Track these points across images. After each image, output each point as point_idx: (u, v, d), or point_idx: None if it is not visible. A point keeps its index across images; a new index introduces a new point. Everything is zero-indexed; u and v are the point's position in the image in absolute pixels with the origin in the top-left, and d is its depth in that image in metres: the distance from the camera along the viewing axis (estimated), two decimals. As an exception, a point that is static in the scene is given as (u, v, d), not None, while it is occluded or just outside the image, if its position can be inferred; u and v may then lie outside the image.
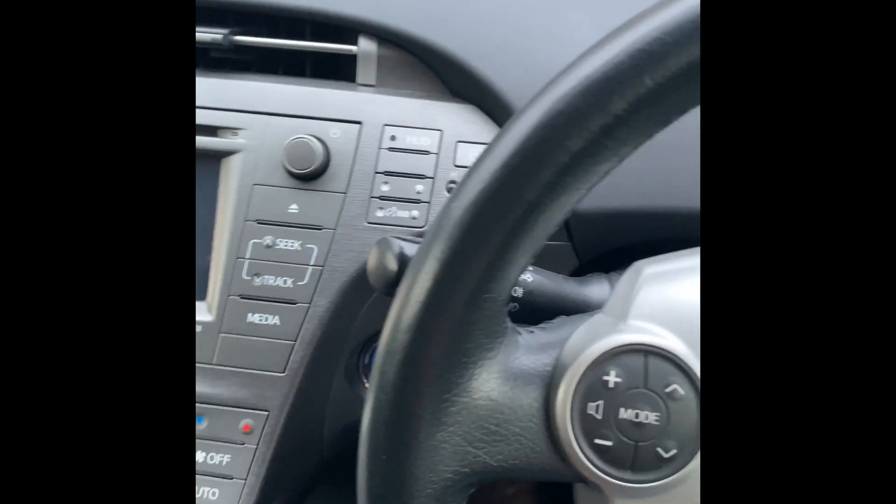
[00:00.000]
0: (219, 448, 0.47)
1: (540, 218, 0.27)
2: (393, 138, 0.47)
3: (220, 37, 0.49)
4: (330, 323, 0.46)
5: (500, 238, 0.27)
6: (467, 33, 0.48)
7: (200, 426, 0.47)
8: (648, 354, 0.29)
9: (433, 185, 0.47)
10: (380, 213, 0.47)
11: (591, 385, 0.29)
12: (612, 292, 0.32)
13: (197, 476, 0.46)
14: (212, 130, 0.48)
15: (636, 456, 0.29)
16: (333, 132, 0.48)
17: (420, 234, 0.46)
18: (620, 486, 0.29)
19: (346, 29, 0.50)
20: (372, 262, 0.36)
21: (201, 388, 0.46)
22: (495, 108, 0.48)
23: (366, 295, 0.47)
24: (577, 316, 0.33)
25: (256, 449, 0.46)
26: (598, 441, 0.29)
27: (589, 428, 0.29)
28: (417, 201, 0.47)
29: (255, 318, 0.46)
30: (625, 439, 0.29)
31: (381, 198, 0.47)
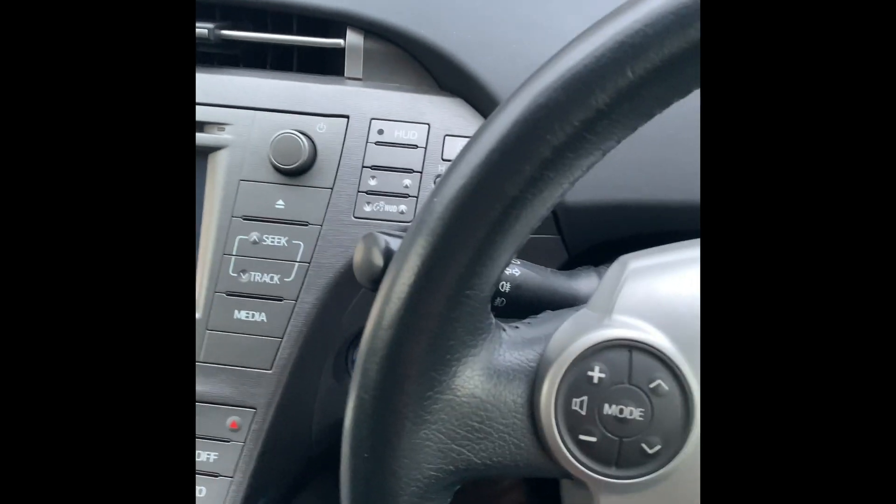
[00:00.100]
0: (206, 445, 0.46)
1: (522, 213, 0.26)
2: (380, 132, 0.47)
3: (206, 31, 0.48)
4: (317, 319, 0.46)
5: (482, 234, 0.26)
6: (454, 26, 0.48)
7: (188, 424, 0.46)
8: (633, 350, 0.29)
9: (421, 180, 0.47)
10: (367, 208, 0.46)
11: (576, 381, 0.29)
12: (598, 287, 0.32)
13: (185, 474, 0.46)
14: (198, 126, 0.47)
15: (621, 452, 0.28)
16: (320, 127, 0.47)
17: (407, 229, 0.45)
18: (605, 482, 0.29)
19: (333, 22, 0.50)
20: (358, 258, 0.36)
21: (188, 385, 0.46)
22: (483, 102, 0.47)
23: (353, 290, 0.46)
24: (562, 311, 0.32)
25: (244, 446, 0.46)
26: (582, 437, 0.29)
27: (573, 424, 0.29)
28: (405, 195, 0.47)
29: (241, 314, 0.46)
30: (609, 435, 0.28)
31: (369, 192, 0.47)
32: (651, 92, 0.26)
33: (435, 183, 0.47)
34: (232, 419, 0.46)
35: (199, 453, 0.46)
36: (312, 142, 0.47)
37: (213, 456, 0.46)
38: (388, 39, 0.49)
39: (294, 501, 0.53)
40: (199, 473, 0.46)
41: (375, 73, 0.50)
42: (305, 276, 0.46)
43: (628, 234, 0.46)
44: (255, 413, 0.46)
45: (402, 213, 0.46)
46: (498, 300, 0.37)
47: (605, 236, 0.46)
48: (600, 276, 0.39)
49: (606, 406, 0.28)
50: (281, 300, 0.46)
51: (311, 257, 0.46)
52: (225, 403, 0.46)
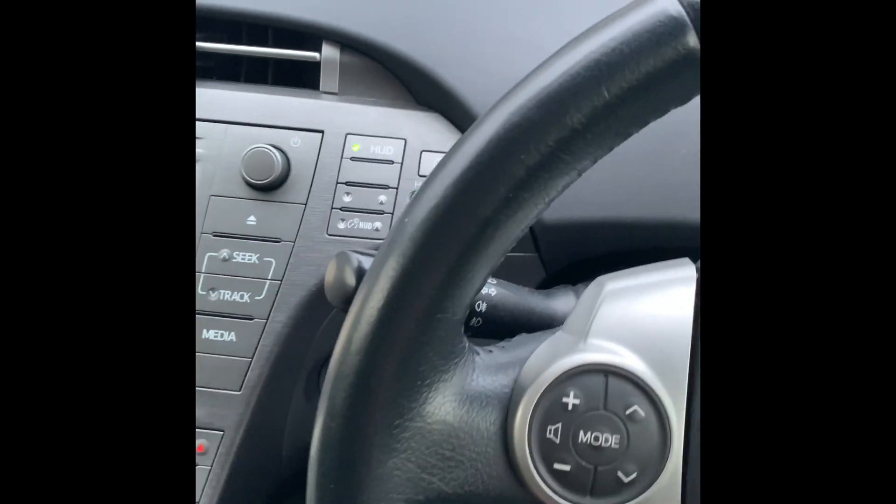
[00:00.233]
0: (171, 470, 0.45)
1: (496, 234, 0.26)
2: (355, 147, 0.46)
3: (177, 42, 0.47)
4: (288, 339, 0.45)
5: (454, 255, 0.25)
6: (431, 40, 0.47)
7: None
8: (608, 375, 0.28)
9: (396, 196, 0.46)
10: (341, 225, 0.45)
11: (550, 407, 0.28)
12: (574, 309, 0.31)
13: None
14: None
15: (595, 480, 0.27)
16: (294, 141, 0.46)
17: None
18: (580, 511, 0.28)
19: (309, 35, 0.49)
20: (329, 277, 0.35)
21: (154, 406, 0.45)
22: (460, 117, 0.46)
23: (326, 309, 0.45)
24: (538, 333, 0.32)
25: (210, 470, 0.45)
26: (556, 466, 0.28)
27: (547, 452, 0.28)
28: (380, 212, 0.46)
29: (210, 334, 0.45)
30: (584, 463, 0.28)
31: (343, 209, 0.46)
32: (628, 111, 0.25)
33: (411, 199, 0.46)
34: (199, 442, 0.45)
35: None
36: (286, 156, 0.46)
37: (177, 481, 0.45)
38: (365, 53, 0.48)
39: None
40: (163, 499, 0.44)
41: (351, 88, 0.49)
42: (277, 295, 0.45)
43: (607, 252, 0.45)
44: (222, 436, 0.45)
45: (376, 230, 0.45)
46: (474, 320, 0.36)
47: (584, 254, 0.46)
48: (578, 295, 0.39)
49: (581, 433, 0.27)
50: (251, 319, 0.45)
51: (283, 275, 0.45)
52: (191, 426, 0.45)
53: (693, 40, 0.24)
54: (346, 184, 0.46)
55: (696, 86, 0.25)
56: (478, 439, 0.28)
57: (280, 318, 0.44)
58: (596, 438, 0.27)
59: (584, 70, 0.25)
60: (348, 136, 0.46)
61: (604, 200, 0.44)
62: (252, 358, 0.45)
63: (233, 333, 0.45)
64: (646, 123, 0.26)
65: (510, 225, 0.26)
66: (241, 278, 0.45)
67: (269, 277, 0.45)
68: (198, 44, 0.49)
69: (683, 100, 0.26)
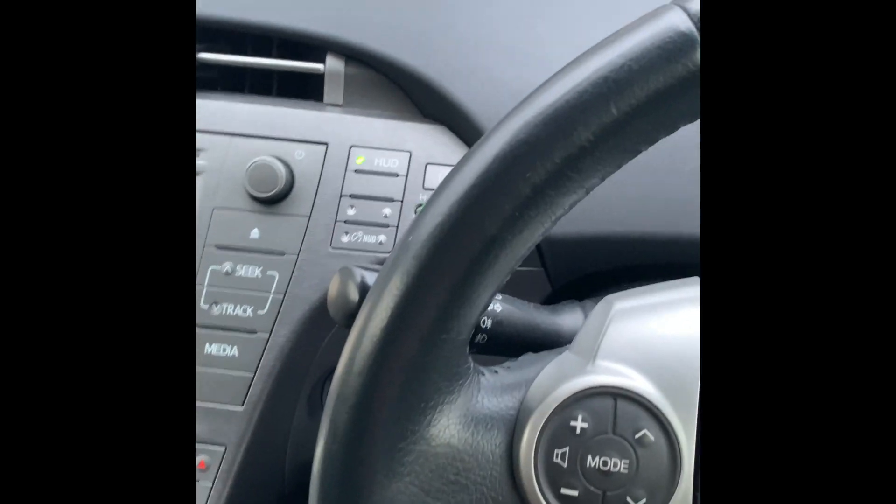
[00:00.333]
0: (172, 487, 0.44)
1: (502, 253, 0.25)
2: (360, 160, 0.46)
3: (181, 54, 0.47)
4: (291, 353, 0.44)
5: (458, 274, 0.25)
6: (436, 52, 0.47)
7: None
8: (617, 398, 0.27)
9: (401, 209, 0.45)
10: (345, 239, 0.45)
11: (557, 430, 0.27)
12: (581, 329, 0.31)
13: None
14: (171, 151, 0.46)
15: None
16: (298, 154, 0.46)
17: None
18: (588, 537, 0.27)
19: (313, 47, 0.49)
20: (332, 293, 0.34)
21: (156, 421, 0.44)
22: (466, 130, 0.46)
23: (329, 324, 0.45)
24: (544, 353, 0.31)
25: (212, 487, 0.44)
26: (564, 490, 0.27)
27: (554, 477, 0.27)
28: (385, 225, 0.45)
29: (212, 348, 0.44)
30: (592, 488, 0.27)
31: (347, 222, 0.45)
32: (636, 128, 0.24)
33: (416, 212, 0.45)
34: (200, 458, 0.44)
35: (164, 495, 0.44)
36: (290, 169, 0.45)
37: (178, 498, 0.44)
38: (370, 65, 0.48)
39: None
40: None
41: (356, 100, 0.49)
42: (280, 309, 0.44)
43: (613, 267, 0.45)
44: (224, 452, 0.44)
45: (381, 243, 0.45)
46: (479, 337, 0.35)
47: (590, 269, 0.45)
48: (585, 311, 0.38)
49: (589, 458, 0.27)
50: (254, 333, 0.44)
51: (286, 289, 0.44)
52: (193, 442, 0.44)
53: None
54: (351, 197, 0.45)
55: None
56: (483, 463, 0.28)
57: (283, 333, 0.44)
58: (604, 463, 0.27)
59: (591, 87, 0.24)
60: (352, 149, 0.46)
61: (610, 215, 0.43)
62: (255, 373, 0.44)
63: (235, 348, 0.44)
64: (655, 140, 0.26)
65: (516, 243, 0.25)
66: (244, 292, 0.44)
67: (273, 291, 0.44)
68: (201, 55, 0.49)
69: (693, 117, 0.25)
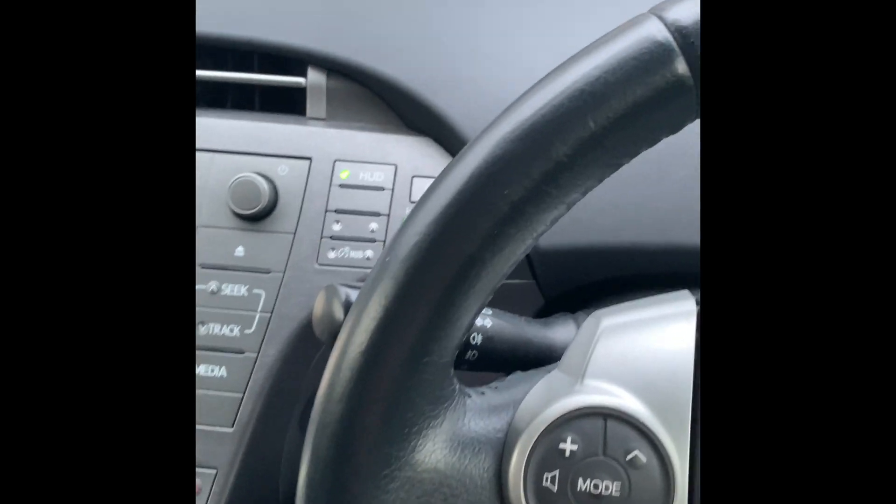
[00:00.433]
0: (161, 513, 0.43)
1: (482, 272, 0.24)
2: (345, 174, 0.45)
3: (160, 71, 0.46)
4: (280, 373, 0.43)
5: (438, 296, 0.24)
6: (420, 63, 0.46)
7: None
8: (607, 418, 0.27)
9: (388, 223, 0.45)
10: (331, 255, 0.44)
11: (547, 453, 0.27)
12: (570, 346, 0.30)
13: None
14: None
15: None
16: (281, 169, 0.45)
17: None
18: (581, 562, 0.26)
19: (295, 61, 0.48)
20: (317, 312, 0.34)
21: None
22: (451, 141, 0.45)
23: (318, 341, 0.44)
24: (532, 372, 0.30)
25: (204, 511, 0.43)
26: None
27: (544, 501, 0.26)
28: (372, 240, 0.44)
29: (200, 369, 0.43)
30: None
31: (333, 237, 0.44)
32: (616, 141, 0.24)
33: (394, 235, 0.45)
34: (189, 483, 0.43)
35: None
36: (273, 185, 0.45)
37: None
38: (352, 78, 0.47)
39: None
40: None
41: (340, 113, 0.48)
42: (267, 328, 0.43)
43: (605, 278, 0.44)
44: (216, 474, 0.43)
45: (368, 258, 0.44)
46: (469, 353, 0.35)
47: (582, 280, 0.44)
48: (577, 323, 0.37)
49: (580, 481, 0.26)
50: (242, 353, 0.43)
51: (273, 307, 0.43)
52: (182, 466, 0.44)
53: (682, 67, 0.23)
54: (336, 212, 0.45)
55: (687, 114, 0.24)
56: (471, 488, 0.27)
57: (271, 352, 0.43)
58: (595, 486, 0.26)
59: (568, 100, 0.23)
60: (337, 163, 0.45)
61: (601, 225, 0.42)
62: (244, 393, 0.43)
63: (223, 368, 0.43)
64: (636, 153, 0.25)
65: (497, 262, 0.25)
66: (231, 311, 0.44)
67: (259, 310, 0.43)
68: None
69: (674, 128, 0.25)
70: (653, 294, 0.34)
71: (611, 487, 0.26)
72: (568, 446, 0.26)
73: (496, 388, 0.30)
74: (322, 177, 0.45)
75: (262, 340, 0.43)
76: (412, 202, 0.45)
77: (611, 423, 0.26)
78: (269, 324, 0.43)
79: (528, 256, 0.44)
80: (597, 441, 0.26)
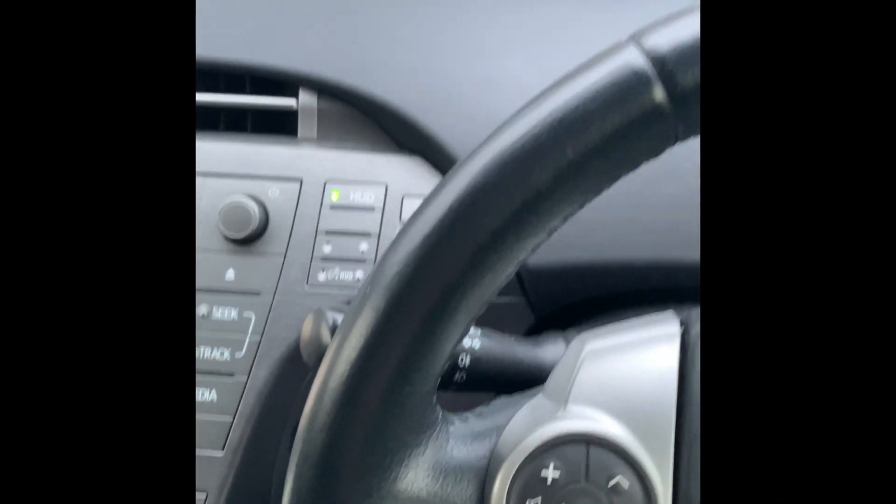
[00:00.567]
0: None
1: (463, 302, 0.24)
2: (335, 195, 0.45)
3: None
4: (270, 396, 0.43)
5: (418, 326, 0.24)
6: (409, 84, 0.46)
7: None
8: (590, 445, 0.26)
9: (378, 243, 0.45)
10: (322, 276, 0.44)
11: (529, 480, 0.26)
12: (554, 370, 0.30)
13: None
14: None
15: None
16: (272, 191, 0.45)
17: None
18: (565, 590, 0.26)
19: (286, 83, 0.49)
20: (305, 336, 0.34)
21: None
22: (441, 161, 0.45)
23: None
24: (518, 397, 0.30)
25: (194, 536, 0.43)
26: None
27: None
28: (362, 261, 0.44)
29: (190, 393, 0.43)
30: None
31: (324, 259, 0.44)
32: (595, 169, 0.24)
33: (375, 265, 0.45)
34: (180, 507, 0.43)
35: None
36: (264, 207, 0.45)
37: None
38: (342, 99, 0.47)
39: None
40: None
41: (330, 134, 0.48)
42: (257, 351, 0.43)
43: (596, 295, 0.44)
44: (206, 498, 0.43)
45: (358, 279, 0.44)
46: (458, 375, 0.35)
47: (572, 297, 0.44)
48: (567, 342, 0.37)
49: None
50: (232, 376, 0.43)
51: (264, 330, 0.43)
52: (172, 490, 0.43)
53: (660, 94, 0.23)
54: (327, 233, 0.45)
55: (665, 140, 0.24)
56: None
57: (261, 375, 0.43)
58: None
59: (547, 129, 0.23)
60: (327, 184, 0.45)
61: (591, 243, 0.42)
62: (234, 416, 0.43)
63: (214, 391, 0.43)
64: (617, 179, 0.25)
65: (477, 290, 0.25)
66: (221, 335, 0.44)
67: (250, 333, 0.43)
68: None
69: (654, 153, 0.25)
70: (644, 310, 0.34)
71: None
72: (550, 473, 0.26)
73: (480, 413, 0.29)
74: (312, 199, 0.45)
75: (253, 363, 0.43)
76: (403, 222, 0.45)
77: (593, 450, 0.26)
78: (259, 346, 0.43)
79: (518, 275, 0.44)
80: (579, 468, 0.26)
